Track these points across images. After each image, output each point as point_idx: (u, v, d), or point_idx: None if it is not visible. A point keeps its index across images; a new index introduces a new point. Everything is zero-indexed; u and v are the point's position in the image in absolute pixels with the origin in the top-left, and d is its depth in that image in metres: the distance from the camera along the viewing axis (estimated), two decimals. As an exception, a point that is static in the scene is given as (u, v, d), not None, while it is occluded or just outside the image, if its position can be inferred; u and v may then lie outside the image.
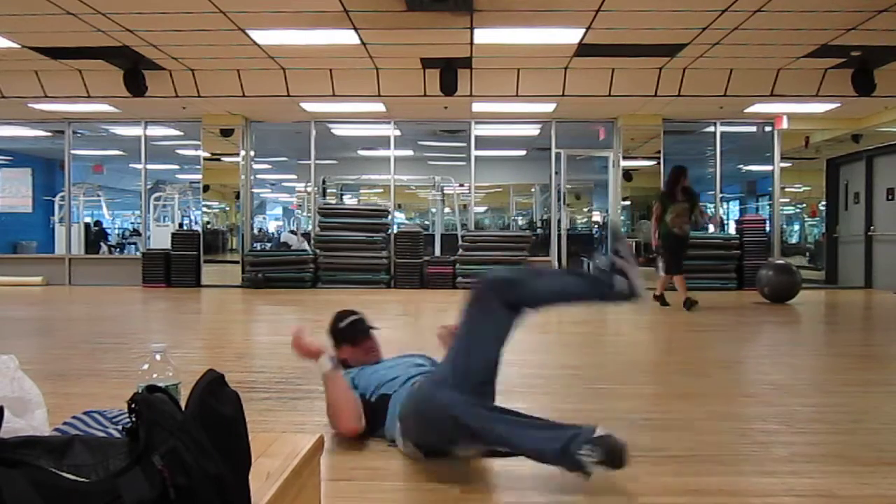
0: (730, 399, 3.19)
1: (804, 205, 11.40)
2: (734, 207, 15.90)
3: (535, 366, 3.97)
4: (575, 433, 1.79)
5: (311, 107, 9.19)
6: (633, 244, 10.21)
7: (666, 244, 7.10)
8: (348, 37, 6.68)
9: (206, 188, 10.50)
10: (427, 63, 7.73)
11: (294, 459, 1.41)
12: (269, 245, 13.40)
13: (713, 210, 10.10)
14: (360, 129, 11.00)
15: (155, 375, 1.41)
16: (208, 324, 6.74)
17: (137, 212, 13.03)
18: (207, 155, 10.32)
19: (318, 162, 10.48)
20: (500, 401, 2.91)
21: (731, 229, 12.70)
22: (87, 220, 12.77)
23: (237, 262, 10.16)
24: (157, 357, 1.44)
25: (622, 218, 10.19)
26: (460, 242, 10.16)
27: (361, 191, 15.38)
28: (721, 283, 9.42)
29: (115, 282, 10.12)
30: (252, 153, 10.48)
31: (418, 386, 2.25)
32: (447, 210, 12.99)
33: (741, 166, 13.55)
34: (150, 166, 10.75)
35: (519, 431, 1.89)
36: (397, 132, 10.53)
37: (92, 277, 10.33)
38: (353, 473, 2.17)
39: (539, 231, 12.47)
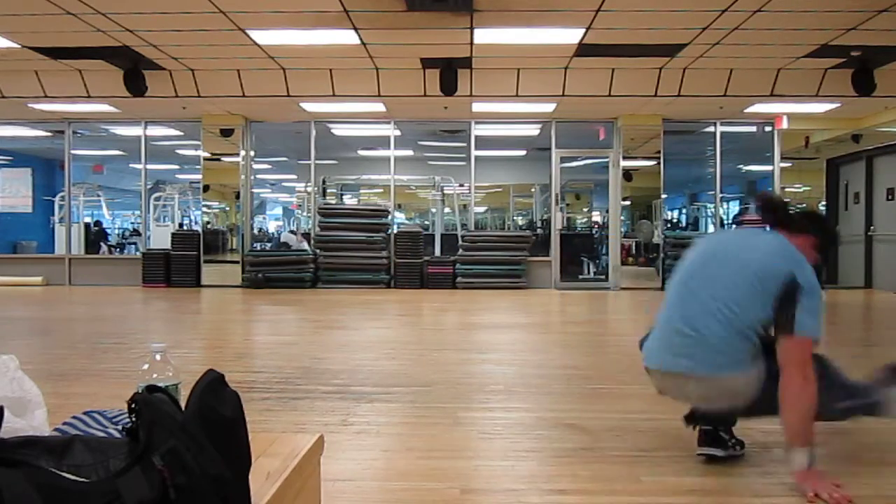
0: (730, 399, 3.18)
1: (804, 205, 11.39)
2: (734, 207, 15.90)
3: (535, 366, 3.97)
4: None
5: (311, 107, 9.19)
6: (633, 244, 10.21)
7: None
8: (348, 37, 6.68)
9: (206, 188, 10.50)
10: (427, 63, 7.73)
11: (294, 459, 1.41)
12: (269, 245, 13.39)
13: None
14: (360, 129, 10.99)
15: (155, 375, 1.41)
16: (208, 324, 6.74)
17: (137, 212, 13.02)
18: (207, 155, 10.32)
19: (318, 162, 10.48)
20: (501, 401, 2.91)
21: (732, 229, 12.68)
22: (87, 220, 12.75)
23: (237, 262, 10.16)
24: (157, 357, 1.44)
25: (622, 218, 10.17)
26: (460, 242, 10.16)
27: (361, 191, 15.36)
28: (721, 283, 9.40)
29: (115, 282, 10.11)
30: (252, 153, 10.48)
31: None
32: (447, 210, 12.98)
33: (741, 166, 13.54)
34: (150, 166, 10.75)
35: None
36: (397, 132, 10.53)
37: (92, 277, 10.33)
38: (353, 473, 2.17)
39: (539, 231, 12.46)
